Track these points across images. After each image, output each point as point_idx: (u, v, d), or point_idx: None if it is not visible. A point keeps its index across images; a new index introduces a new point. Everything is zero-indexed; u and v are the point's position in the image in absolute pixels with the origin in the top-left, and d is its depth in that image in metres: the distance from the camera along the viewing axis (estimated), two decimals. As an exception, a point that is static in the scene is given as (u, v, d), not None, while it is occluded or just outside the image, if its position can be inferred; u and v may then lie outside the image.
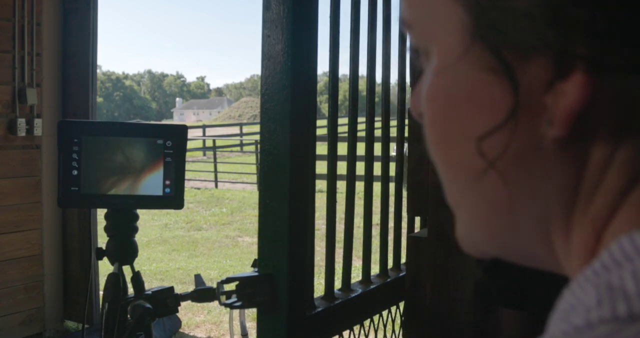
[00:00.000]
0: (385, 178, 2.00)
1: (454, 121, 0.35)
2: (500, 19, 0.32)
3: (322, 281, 1.78)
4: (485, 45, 0.33)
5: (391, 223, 2.05)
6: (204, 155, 20.94)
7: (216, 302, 1.40)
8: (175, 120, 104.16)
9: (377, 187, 1.95)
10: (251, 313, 3.16)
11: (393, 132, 2.09)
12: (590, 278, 0.29)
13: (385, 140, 2.03)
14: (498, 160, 0.34)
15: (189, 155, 11.34)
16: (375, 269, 1.96)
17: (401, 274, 1.98)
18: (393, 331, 2.01)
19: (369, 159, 1.88)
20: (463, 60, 0.34)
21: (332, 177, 1.69)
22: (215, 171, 14.45)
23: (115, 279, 1.40)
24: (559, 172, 0.33)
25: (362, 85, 1.86)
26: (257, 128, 12.39)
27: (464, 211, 0.39)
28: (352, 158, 1.77)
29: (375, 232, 1.95)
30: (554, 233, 0.34)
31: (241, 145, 23.11)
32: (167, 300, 1.39)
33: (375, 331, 1.89)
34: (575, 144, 0.32)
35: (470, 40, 0.33)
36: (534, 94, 0.32)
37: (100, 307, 1.43)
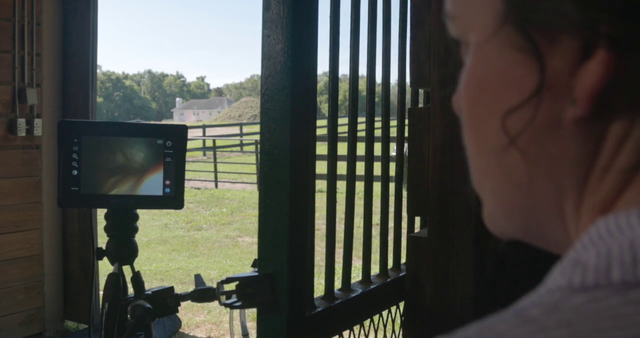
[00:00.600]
0: (385, 178, 2.00)
1: (483, 99, 0.37)
2: (530, 1, 0.33)
3: (322, 281, 1.78)
4: (515, 26, 0.34)
5: (391, 223, 2.05)
6: (204, 155, 20.94)
7: (216, 302, 1.40)
8: (175, 120, 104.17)
9: (377, 187, 1.95)
10: (251, 313, 3.16)
11: (393, 132, 2.09)
12: (569, 255, 0.31)
13: (385, 140, 2.03)
14: (519, 137, 0.35)
15: (189, 155, 11.34)
16: (375, 269, 1.96)
17: (401, 274, 1.98)
18: (393, 331, 2.01)
19: (369, 159, 1.88)
20: (494, 40, 0.36)
21: (332, 177, 1.69)
22: (215, 171, 14.45)
23: (115, 279, 1.40)
24: (576, 150, 0.34)
25: (362, 85, 1.86)
26: (257, 128, 12.39)
27: (487, 192, 0.40)
28: (352, 158, 1.77)
29: (375, 232, 1.95)
30: (567, 214, 0.36)
31: (241, 145, 23.11)
32: (167, 300, 1.39)
33: (375, 331, 1.89)
34: (595, 122, 0.33)
35: (501, 22, 0.35)
36: (559, 74, 0.33)
37: (100, 307, 1.43)
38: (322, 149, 2.65)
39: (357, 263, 3.77)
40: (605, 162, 0.33)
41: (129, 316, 1.36)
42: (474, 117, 0.39)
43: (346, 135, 1.79)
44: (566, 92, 0.33)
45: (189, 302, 1.42)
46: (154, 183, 1.40)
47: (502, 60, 0.36)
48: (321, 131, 3.41)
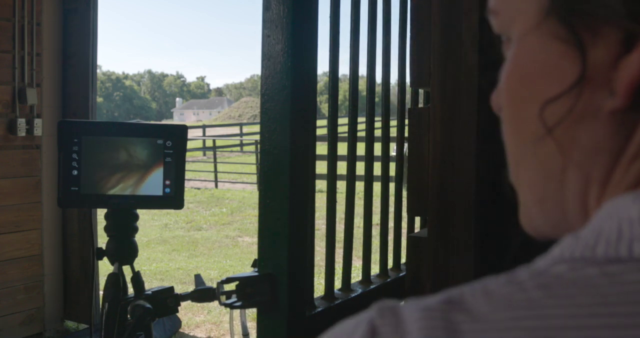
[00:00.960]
0: (385, 178, 2.00)
1: (523, 90, 0.38)
2: None
3: (322, 281, 1.78)
4: (559, 18, 0.35)
5: (391, 223, 2.05)
6: (204, 155, 20.94)
7: (216, 302, 1.40)
8: (175, 120, 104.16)
9: (377, 187, 1.95)
10: (251, 313, 3.16)
11: (393, 132, 2.09)
12: (575, 234, 0.33)
13: (385, 140, 2.03)
14: (556, 127, 0.36)
15: (189, 155, 11.34)
16: (375, 269, 1.96)
17: (401, 274, 1.98)
18: (393, 331, 2.01)
19: (369, 159, 1.88)
20: (536, 32, 0.37)
21: (332, 177, 1.69)
22: (215, 171, 14.45)
23: (115, 279, 1.40)
24: (607, 141, 0.35)
25: (362, 85, 1.86)
26: (257, 128, 12.39)
27: (522, 183, 0.41)
28: (352, 158, 1.77)
29: (375, 232, 1.95)
30: (590, 206, 0.36)
31: (241, 145, 23.11)
32: (167, 300, 1.39)
33: (375, 331, 1.89)
34: (630, 113, 0.33)
35: (545, 15, 0.36)
36: (600, 65, 0.34)
37: (100, 307, 1.43)
38: (322, 149, 2.65)
39: (357, 263, 3.77)
40: (634, 151, 0.34)
41: (129, 316, 1.36)
42: (513, 108, 0.39)
43: (346, 135, 1.79)
44: (605, 84, 0.33)
45: (189, 302, 1.42)
46: (154, 184, 1.40)
47: (544, 52, 0.36)
48: (321, 131, 3.41)
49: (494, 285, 0.31)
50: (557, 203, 0.38)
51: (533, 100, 0.37)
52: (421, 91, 2.12)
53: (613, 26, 0.33)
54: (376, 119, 1.93)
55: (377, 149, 1.95)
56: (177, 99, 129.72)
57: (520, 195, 0.42)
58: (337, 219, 1.75)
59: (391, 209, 2.03)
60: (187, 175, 5.10)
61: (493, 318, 0.29)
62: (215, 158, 15.69)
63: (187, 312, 4.67)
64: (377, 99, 1.91)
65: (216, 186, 13.73)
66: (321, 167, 2.18)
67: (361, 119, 1.82)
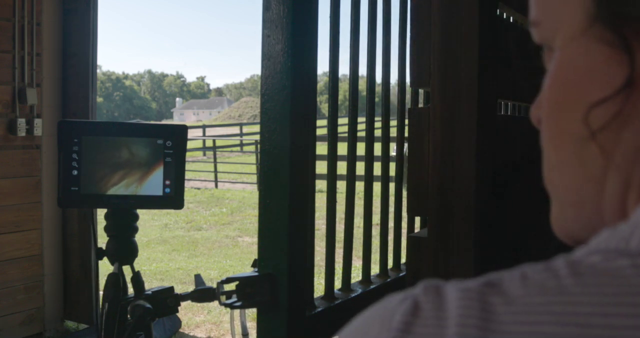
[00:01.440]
0: (385, 178, 2.00)
1: (567, 96, 0.38)
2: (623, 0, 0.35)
3: (322, 281, 1.78)
4: (606, 24, 0.36)
5: (391, 223, 2.05)
6: (204, 155, 20.93)
7: (216, 302, 1.40)
8: (175, 120, 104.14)
9: (377, 187, 1.95)
10: (251, 313, 3.16)
11: (393, 132, 2.09)
12: (613, 227, 0.35)
13: (385, 140, 2.03)
14: (601, 130, 0.36)
15: (189, 155, 11.33)
16: (375, 269, 1.96)
17: (401, 274, 1.98)
18: (393, 331, 2.01)
19: (369, 159, 1.88)
20: (583, 37, 0.37)
21: (332, 177, 1.69)
22: (215, 171, 14.45)
23: (115, 279, 1.40)
24: None
25: (362, 85, 1.86)
26: (257, 128, 12.39)
27: (560, 187, 0.41)
28: (352, 158, 1.77)
29: (375, 232, 1.95)
30: (629, 209, 0.37)
31: (241, 145, 23.11)
32: (167, 300, 1.39)
33: (375, 331, 1.89)
34: None
35: (591, 20, 0.37)
36: None
37: (100, 307, 1.43)
38: (322, 149, 2.65)
39: (357, 263, 3.77)
40: None
41: (129, 316, 1.36)
42: (556, 114, 0.39)
43: (346, 135, 1.79)
44: None
45: (189, 302, 1.42)
46: (154, 184, 1.40)
47: (589, 56, 0.37)
48: (321, 131, 3.40)
49: (531, 271, 0.33)
50: (595, 206, 0.39)
51: (577, 105, 0.37)
52: (421, 91, 2.12)
53: None
54: (376, 119, 1.93)
55: (377, 149, 1.95)
56: (177, 99, 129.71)
57: (555, 199, 0.42)
58: (337, 219, 1.75)
59: (391, 209, 2.03)
60: (187, 175, 5.10)
61: (525, 302, 0.31)
62: (215, 158, 15.68)
63: (187, 312, 4.67)
64: (377, 99, 1.91)
65: (216, 186, 13.73)
66: (321, 167, 2.18)
67: (361, 119, 1.82)
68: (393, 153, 2.19)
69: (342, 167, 1.99)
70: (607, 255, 0.32)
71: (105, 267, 1.53)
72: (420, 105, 2.16)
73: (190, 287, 1.43)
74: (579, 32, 0.37)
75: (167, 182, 1.40)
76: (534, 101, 0.44)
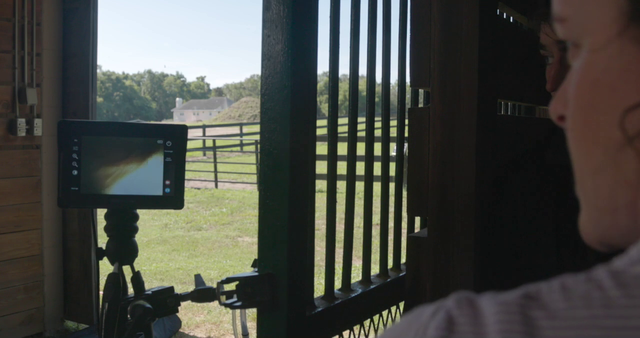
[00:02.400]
0: (385, 178, 2.00)
1: (599, 98, 0.37)
2: None
3: (322, 281, 1.78)
4: None
5: (391, 223, 2.05)
6: (204, 155, 20.94)
7: (216, 302, 1.40)
8: (175, 120, 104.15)
9: (377, 187, 1.95)
10: (251, 313, 3.16)
11: (393, 132, 2.09)
12: None
13: (385, 140, 2.03)
14: (639, 135, 0.35)
15: (189, 155, 11.33)
16: (375, 269, 1.96)
17: (401, 274, 1.98)
18: (393, 331, 2.01)
19: (369, 158, 1.88)
20: (619, 39, 0.36)
21: (332, 177, 1.69)
22: (215, 171, 14.45)
23: (115, 279, 1.40)
24: None
25: (362, 85, 1.86)
26: (257, 128, 12.39)
27: (594, 192, 0.39)
28: (352, 158, 1.77)
29: (375, 232, 1.95)
30: None
31: (241, 145, 23.11)
32: (167, 300, 1.39)
33: (376, 331, 1.89)
34: None
35: (627, 20, 0.35)
36: None
37: (100, 307, 1.43)
38: (322, 149, 2.65)
39: (357, 263, 3.77)
40: None
41: (129, 316, 1.36)
42: (587, 117, 0.38)
43: (346, 135, 1.79)
44: None
45: (189, 302, 1.42)
46: (154, 184, 1.40)
47: (624, 57, 0.35)
48: (321, 131, 3.40)
49: (572, 282, 0.32)
50: (630, 211, 0.37)
51: (612, 108, 0.36)
52: (421, 91, 2.12)
53: None
54: (376, 119, 1.93)
55: (377, 149, 1.95)
56: (177, 99, 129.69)
57: (587, 205, 0.41)
58: (337, 219, 1.75)
59: (391, 209, 2.03)
60: (187, 175, 5.10)
61: (570, 315, 0.30)
62: (215, 158, 15.69)
63: (187, 312, 4.67)
64: (377, 99, 1.91)
65: (216, 186, 13.73)
66: (321, 167, 2.18)
67: (361, 119, 1.82)
68: (393, 153, 2.19)
69: (342, 167, 1.99)
70: None
71: (105, 267, 1.53)
72: (420, 105, 2.16)
73: (190, 287, 1.43)
74: (614, 33, 0.36)
75: (167, 182, 1.40)
76: (555, 96, 0.43)
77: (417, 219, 2.13)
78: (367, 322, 1.86)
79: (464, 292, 0.33)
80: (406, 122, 1.94)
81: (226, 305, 1.39)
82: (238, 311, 1.57)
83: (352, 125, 1.79)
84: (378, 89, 1.93)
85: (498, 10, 1.95)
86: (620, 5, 0.35)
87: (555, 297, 0.31)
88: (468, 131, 1.70)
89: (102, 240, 1.46)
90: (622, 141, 0.35)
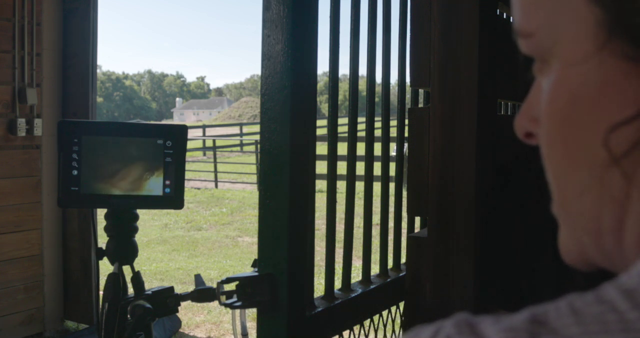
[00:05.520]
0: (385, 178, 2.00)
1: (580, 115, 0.35)
2: None
3: (322, 281, 1.78)
4: (625, 37, 0.32)
5: (391, 223, 2.05)
6: (204, 155, 20.94)
7: (216, 302, 1.40)
8: (175, 120, 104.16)
9: (377, 187, 1.95)
10: (251, 313, 3.16)
11: (393, 132, 2.09)
12: None
13: (385, 140, 2.03)
14: (626, 155, 0.33)
15: (189, 155, 11.33)
16: (375, 269, 1.96)
17: (401, 274, 1.98)
18: (393, 331, 2.01)
19: (369, 158, 1.88)
20: (598, 53, 0.34)
21: (332, 177, 1.69)
22: (215, 171, 14.45)
23: (115, 279, 1.40)
24: None
25: (362, 85, 1.86)
26: (257, 128, 12.39)
27: (577, 214, 0.37)
28: (352, 158, 1.77)
29: (375, 232, 1.95)
30: None
31: (241, 145, 23.12)
32: (167, 300, 1.39)
33: (375, 331, 1.89)
34: None
35: (606, 34, 0.33)
36: None
37: (100, 307, 1.43)
38: (322, 149, 2.65)
39: (357, 263, 3.77)
40: None
41: (129, 316, 1.36)
42: (565, 135, 0.36)
43: (346, 135, 1.79)
44: None
45: (189, 302, 1.42)
46: (154, 183, 1.40)
47: (604, 72, 0.33)
48: (321, 131, 3.40)
49: (581, 304, 0.29)
50: (615, 233, 0.35)
51: (594, 125, 0.34)
52: (421, 91, 2.12)
53: None
54: (376, 119, 1.93)
55: (377, 149, 1.95)
56: (177, 99, 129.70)
57: (571, 226, 0.38)
58: (337, 219, 1.75)
59: (391, 209, 2.03)
60: (187, 175, 5.10)
61: None
62: (215, 158, 15.69)
63: (187, 312, 4.67)
64: (377, 99, 1.91)
65: (216, 186, 13.73)
66: (321, 167, 2.18)
67: (361, 119, 1.82)
68: (393, 153, 2.19)
69: (342, 167, 1.99)
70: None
71: (105, 267, 1.53)
72: (420, 105, 2.16)
73: (190, 287, 1.43)
74: (592, 47, 0.34)
75: (167, 182, 1.40)
76: (519, 112, 0.41)
77: (417, 219, 2.13)
78: (367, 322, 1.86)
79: (463, 314, 0.32)
80: (406, 122, 1.95)
81: (226, 305, 1.39)
82: (238, 311, 1.57)
83: (352, 125, 1.78)
84: (378, 89, 1.93)
85: (498, 10, 1.95)
86: (596, 17, 0.33)
87: (566, 321, 0.29)
88: (468, 131, 1.70)
89: (102, 240, 1.46)
90: (607, 161, 0.34)
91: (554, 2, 0.36)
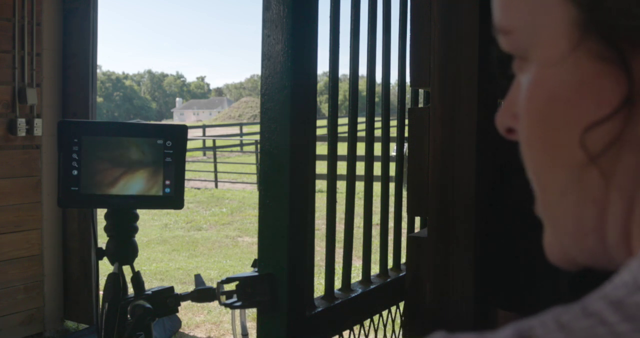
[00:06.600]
0: (385, 178, 2.00)
1: (556, 114, 0.35)
2: (617, 8, 0.32)
3: (322, 281, 1.78)
4: (599, 35, 0.32)
5: (391, 223, 2.05)
6: (204, 155, 20.94)
7: (216, 302, 1.40)
8: (175, 120, 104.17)
9: (377, 187, 1.95)
10: (251, 313, 3.16)
11: (393, 132, 2.09)
12: (638, 254, 0.31)
13: (385, 140, 2.03)
14: (602, 154, 0.33)
15: (189, 155, 11.32)
16: (375, 269, 1.96)
17: (401, 274, 1.98)
18: (393, 331, 2.01)
19: (369, 158, 1.88)
20: (573, 53, 0.34)
21: (332, 177, 1.69)
22: (215, 171, 14.45)
23: (115, 279, 1.40)
24: None
25: (362, 85, 1.86)
26: (257, 128, 12.39)
27: (559, 214, 0.37)
28: (352, 158, 1.77)
29: (375, 232, 1.95)
30: (634, 235, 0.34)
31: (241, 145, 23.11)
32: (167, 300, 1.39)
33: (375, 331, 1.89)
34: None
35: (581, 34, 0.33)
36: None
37: (100, 307, 1.43)
38: (322, 149, 2.65)
39: (357, 263, 3.77)
40: None
41: (129, 316, 1.36)
42: (543, 134, 0.36)
43: (346, 135, 1.79)
44: None
45: (189, 302, 1.42)
46: (154, 184, 1.40)
47: (579, 71, 0.33)
48: (321, 131, 3.40)
49: (568, 318, 0.28)
50: (597, 232, 0.35)
51: (570, 125, 0.34)
52: (421, 91, 2.12)
53: None
54: (376, 119, 1.93)
55: (377, 149, 1.95)
56: (177, 99, 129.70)
57: (554, 227, 0.39)
58: (337, 219, 1.75)
59: (391, 209, 2.03)
60: (187, 175, 5.10)
61: None
62: (215, 158, 15.68)
63: (187, 312, 4.67)
64: (377, 99, 1.91)
65: (216, 186, 13.73)
66: (321, 167, 2.18)
67: (361, 119, 1.82)
68: (393, 153, 2.19)
69: (342, 167, 1.99)
70: (628, 288, 0.28)
71: (105, 267, 1.53)
72: (420, 105, 2.16)
73: (190, 287, 1.43)
74: (567, 47, 0.34)
75: (167, 182, 1.40)
76: (501, 107, 0.41)
77: (417, 219, 2.13)
78: (367, 322, 1.86)
79: (441, 333, 0.31)
80: (406, 122, 1.95)
81: (226, 305, 1.39)
82: (237, 311, 1.57)
83: (352, 125, 1.79)
84: (378, 89, 1.93)
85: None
86: (571, 16, 0.33)
87: (553, 335, 0.28)
88: (468, 131, 1.70)
89: (102, 240, 1.46)
90: (585, 160, 0.34)
91: (532, 1, 0.36)
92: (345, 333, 1.73)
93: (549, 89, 0.35)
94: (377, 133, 1.95)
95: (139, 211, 1.44)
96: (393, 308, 1.97)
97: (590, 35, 0.33)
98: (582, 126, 0.33)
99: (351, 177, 1.78)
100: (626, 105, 0.32)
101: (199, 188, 13.06)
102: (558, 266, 0.40)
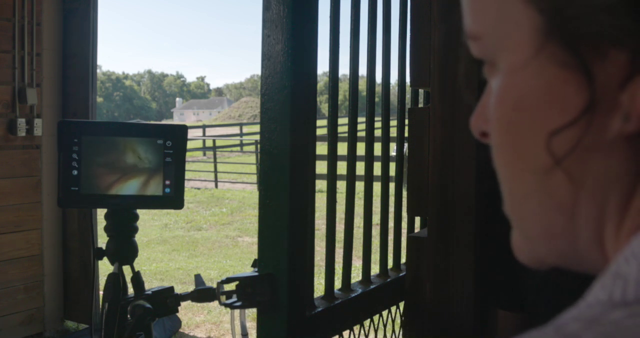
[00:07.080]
0: (385, 178, 2.00)
1: (522, 120, 0.35)
2: (578, 15, 0.32)
3: (322, 281, 1.78)
4: (561, 42, 0.33)
5: (391, 223, 2.05)
6: (204, 155, 20.94)
7: (216, 302, 1.40)
8: (175, 120, 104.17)
9: (377, 187, 1.95)
10: (251, 313, 3.16)
11: (393, 132, 2.09)
12: (610, 268, 0.30)
13: (385, 140, 2.03)
14: (566, 158, 0.33)
15: (189, 155, 11.33)
16: (375, 269, 1.96)
17: (401, 274, 1.98)
18: (393, 331, 2.01)
19: (369, 158, 1.88)
20: (536, 59, 0.34)
21: (332, 177, 1.69)
22: (215, 171, 14.45)
23: (115, 279, 1.40)
24: (622, 167, 0.32)
25: (362, 85, 1.86)
26: (257, 128, 12.40)
27: (525, 216, 0.38)
28: (352, 158, 1.77)
29: (375, 232, 1.95)
30: (606, 239, 0.34)
31: (241, 145, 23.12)
32: (167, 300, 1.39)
33: (375, 331, 1.89)
34: None
35: (543, 39, 0.33)
36: (609, 90, 0.31)
37: (100, 307, 1.43)
38: (322, 149, 2.65)
39: (357, 263, 3.77)
40: None
41: (129, 316, 1.36)
42: (511, 139, 0.36)
43: (346, 135, 1.79)
44: (614, 108, 0.31)
45: (189, 302, 1.42)
46: (154, 183, 1.40)
47: (543, 78, 0.34)
48: (321, 131, 3.40)
49: None
50: (567, 235, 0.35)
51: (536, 131, 0.34)
52: (421, 91, 2.12)
53: (619, 46, 0.31)
54: (376, 119, 1.93)
55: (377, 149, 1.95)
56: (177, 99, 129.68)
57: (520, 228, 0.39)
58: (337, 219, 1.75)
59: (391, 209, 2.03)
60: (187, 175, 5.11)
61: None
62: (215, 158, 15.68)
63: (187, 312, 4.67)
64: (377, 99, 1.91)
65: (216, 186, 13.73)
66: (321, 167, 2.18)
67: (361, 119, 1.82)
68: (393, 153, 2.19)
69: (342, 167, 1.99)
70: (629, 309, 0.27)
71: (105, 267, 1.53)
72: (420, 105, 2.16)
73: (190, 287, 1.43)
74: (530, 51, 0.34)
75: (167, 182, 1.40)
76: (474, 112, 0.41)
77: (417, 219, 2.13)
78: (367, 322, 1.86)
79: None
80: (406, 122, 1.95)
81: (226, 305, 1.39)
82: (237, 311, 1.57)
83: (352, 125, 1.79)
84: (378, 89, 1.93)
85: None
86: (535, 22, 0.34)
87: None
88: (468, 131, 1.70)
89: (102, 240, 1.46)
90: (550, 166, 0.34)
91: (498, 7, 0.36)
92: (345, 333, 1.73)
93: (516, 95, 0.35)
94: (377, 133, 1.95)
95: (139, 211, 1.44)
96: (393, 308, 1.97)
97: (553, 42, 0.33)
98: (547, 131, 0.33)
99: (351, 177, 1.78)
100: (589, 111, 0.32)
101: (199, 189, 13.06)
102: (527, 265, 0.40)
